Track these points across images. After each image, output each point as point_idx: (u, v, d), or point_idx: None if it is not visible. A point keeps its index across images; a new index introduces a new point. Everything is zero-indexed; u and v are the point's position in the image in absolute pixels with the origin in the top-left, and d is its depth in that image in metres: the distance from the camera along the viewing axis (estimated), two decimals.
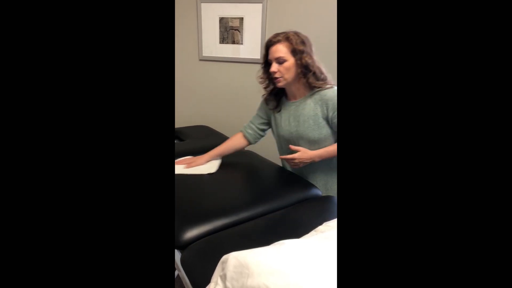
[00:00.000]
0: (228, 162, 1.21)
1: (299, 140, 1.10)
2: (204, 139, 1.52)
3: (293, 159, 1.05)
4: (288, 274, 0.51)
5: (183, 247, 0.77)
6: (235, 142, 1.21)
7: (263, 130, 1.23)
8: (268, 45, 1.03)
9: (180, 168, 1.13)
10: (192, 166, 1.14)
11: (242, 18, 1.86)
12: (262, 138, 1.25)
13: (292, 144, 1.10)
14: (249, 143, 1.22)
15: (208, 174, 1.10)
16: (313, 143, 1.07)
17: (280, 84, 1.05)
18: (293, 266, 0.53)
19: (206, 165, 1.15)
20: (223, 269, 0.58)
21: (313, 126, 1.05)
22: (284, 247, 0.60)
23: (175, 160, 1.19)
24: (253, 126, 1.21)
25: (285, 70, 1.01)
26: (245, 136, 1.21)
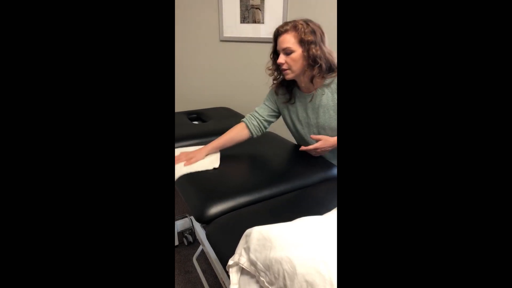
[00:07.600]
0: (250, 142, 1.22)
1: (320, 130, 1.08)
2: (225, 120, 1.54)
3: (315, 149, 1.02)
4: (310, 247, 0.53)
5: (207, 221, 0.81)
6: (236, 134, 1.10)
7: (270, 123, 1.15)
8: (276, 35, 0.99)
9: (181, 168, 1.00)
10: (192, 163, 1.02)
11: None
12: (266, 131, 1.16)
13: (311, 134, 1.08)
14: (251, 136, 1.12)
15: (214, 168, 1.01)
16: (335, 131, 1.05)
17: (288, 77, 1.01)
18: (315, 240, 0.55)
19: (207, 160, 1.05)
20: (246, 242, 0.61)
21: (334, 116, 1.02)
22: (306, 222, 0.62)
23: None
24: (259, 118, 1.12)
25: (293, 61, 0.96)
26: (248, 128, 1.11)
